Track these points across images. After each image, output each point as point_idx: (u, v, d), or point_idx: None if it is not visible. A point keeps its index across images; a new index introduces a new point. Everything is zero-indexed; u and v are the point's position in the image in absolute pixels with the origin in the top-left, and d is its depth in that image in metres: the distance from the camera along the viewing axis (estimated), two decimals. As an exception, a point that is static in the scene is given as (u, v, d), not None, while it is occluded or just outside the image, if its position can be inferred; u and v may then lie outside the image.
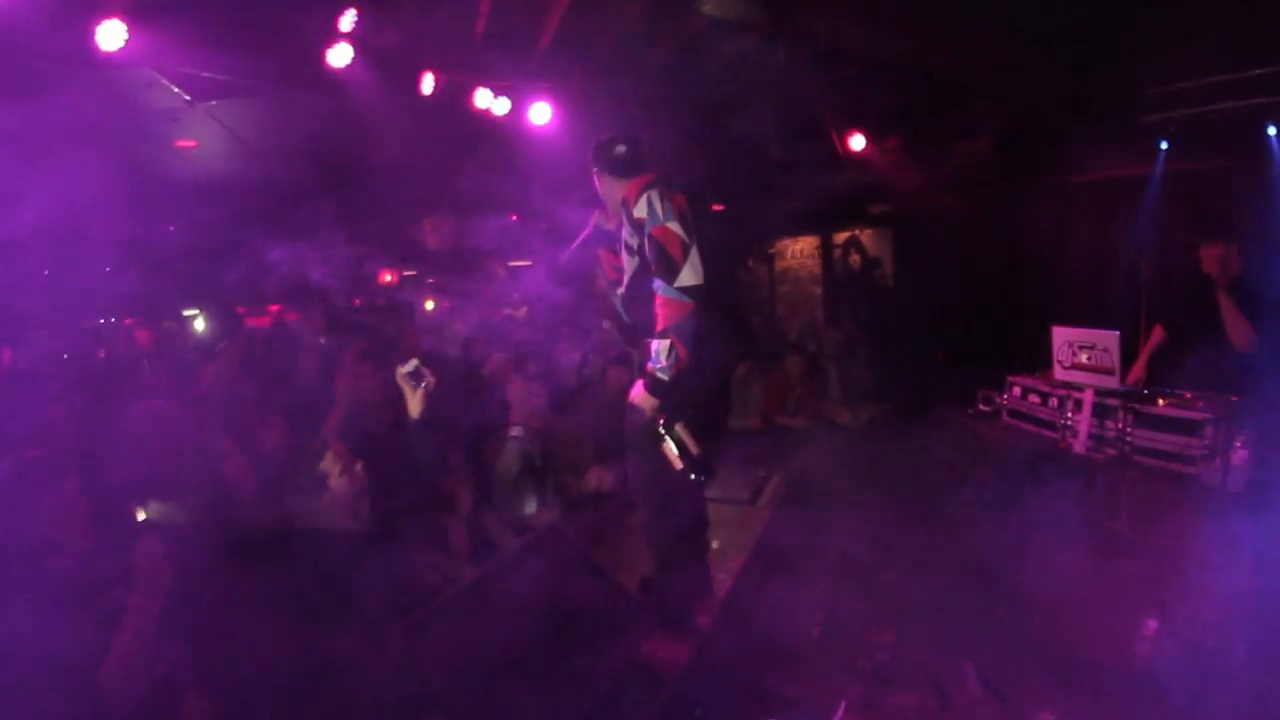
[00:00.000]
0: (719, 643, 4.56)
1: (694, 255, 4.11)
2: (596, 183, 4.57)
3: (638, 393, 4.23)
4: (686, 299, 4.06)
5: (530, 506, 5.51)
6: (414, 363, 4.56)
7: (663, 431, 4.13)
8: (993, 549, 5.71)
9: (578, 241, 4.92)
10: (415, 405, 4.54)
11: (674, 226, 4.10)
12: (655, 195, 4.14)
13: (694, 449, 4.13)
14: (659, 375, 4.11)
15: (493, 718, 3.52)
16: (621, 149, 4.45)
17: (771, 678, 4.71)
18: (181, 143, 7.84)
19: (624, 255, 4.49)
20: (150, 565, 3.36)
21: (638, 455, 4.45)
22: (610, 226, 4.67)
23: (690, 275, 4.07)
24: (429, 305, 9.93)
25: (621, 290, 4.61)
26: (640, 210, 4.17)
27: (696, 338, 4.15)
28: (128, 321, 9.75)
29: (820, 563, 5.70)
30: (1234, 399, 5.57)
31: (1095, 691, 4.52)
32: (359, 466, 4.29)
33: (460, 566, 4.60)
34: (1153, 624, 4.80)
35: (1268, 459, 5.23)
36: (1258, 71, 7.48)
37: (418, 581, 4.14)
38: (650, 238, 4.13)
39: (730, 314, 9.24)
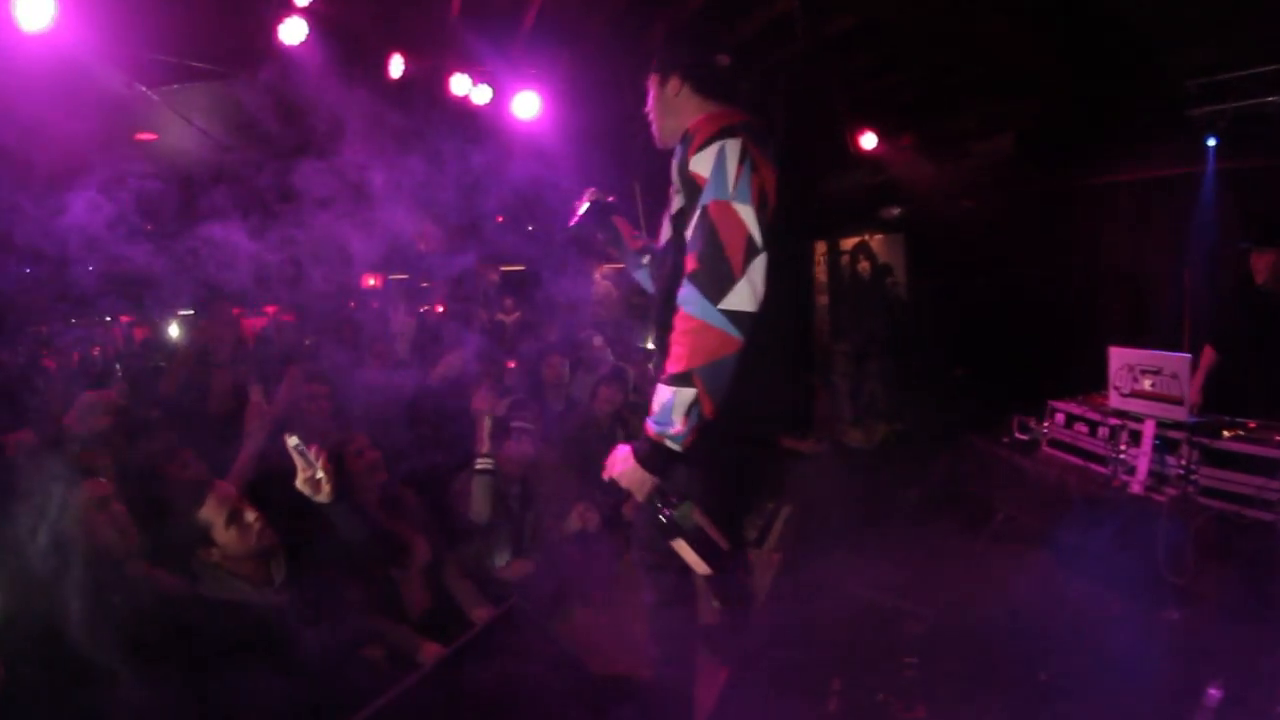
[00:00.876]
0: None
1: (758, 266, 2.68)
2: (652, 92, 3.25)
3: (622, 463, 2.82)
4: (731, 330, 2.63)
5: (503, 557, 4.80)
6: (294, 439, 3.53)
7: (668, 524, 2.77)
8: (1036, 604, 5.18)
9: (574, 221, 3.77)
10: (313, 485, 3.53)
11: (744, 211, 2.69)
12: (734, 149, 2.75)
13: (722, 542, 2.82)
14: (666, 443, 2.72)
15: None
16: (723, 57, 3.16)
17: None
18: (142, 136, 7.43)
19: (665, 223, 3.21)
20: None
21: (638, 537, 3.34)
22: (610, 199, 3.77)
23: (746, 297, 2.65)
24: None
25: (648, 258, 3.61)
26: (701, 163, 2.78)
27: (734, 391, 2.74)
28: (124, 319, 10.26)
29: (838, 620, 5.04)
30: None
31: None
32: (253, 517, 3.41)
33: (414, 642, 3.85)
34: (1216, 693, 4.20)
35: None
36: None
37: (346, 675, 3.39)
38: (703, 213, 2.72)
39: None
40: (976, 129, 9.35)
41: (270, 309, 11.34)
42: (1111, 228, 8.99)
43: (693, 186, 2.80)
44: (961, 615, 5.07)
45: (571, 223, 3.76)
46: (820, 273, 12.14)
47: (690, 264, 2.70)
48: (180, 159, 7.48)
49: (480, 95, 7.09)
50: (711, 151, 2.76)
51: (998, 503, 6.20)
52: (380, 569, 4.07)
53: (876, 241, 11.39)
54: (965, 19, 7.08)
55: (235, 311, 10.14)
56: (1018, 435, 6.52)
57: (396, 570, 4.13)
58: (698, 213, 2.73)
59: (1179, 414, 5.12)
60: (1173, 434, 5.20)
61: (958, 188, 9.58)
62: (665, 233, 3.17)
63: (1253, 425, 5.15)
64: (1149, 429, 5.27)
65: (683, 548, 2.77)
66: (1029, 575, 5.55)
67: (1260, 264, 5.76)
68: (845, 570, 5.69)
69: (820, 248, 12.01)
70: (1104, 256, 8.94)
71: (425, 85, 6.78)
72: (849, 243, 11.67)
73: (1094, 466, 5.73)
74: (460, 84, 6.93)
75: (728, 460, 3.07)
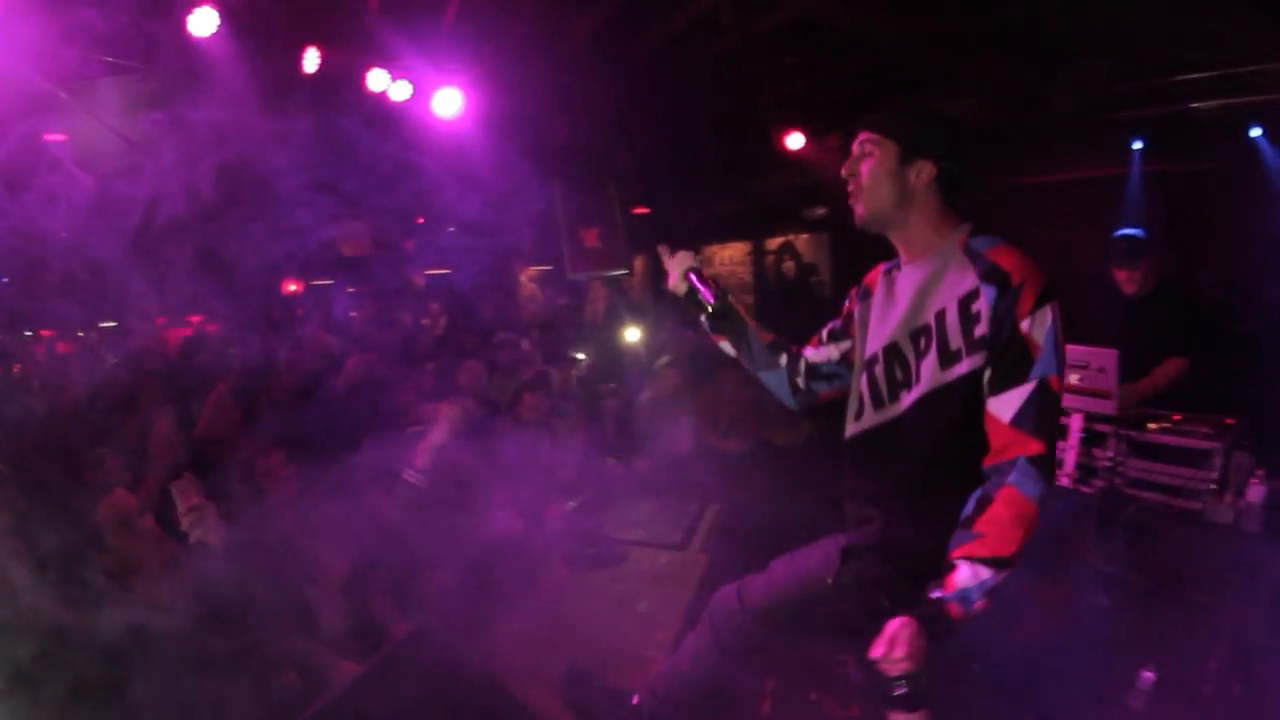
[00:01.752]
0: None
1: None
2: (876, 157, 2.85)
3: (912, 641, 2.43)
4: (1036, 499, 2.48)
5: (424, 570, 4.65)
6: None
7: (909, 696, 2.45)
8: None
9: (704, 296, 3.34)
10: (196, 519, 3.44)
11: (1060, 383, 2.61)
12: (1057, 314, 2.59)
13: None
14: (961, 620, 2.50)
15: None
16: (970, 165, 2.86)
17: None
18: (50, 136, 7.05)
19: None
20: None
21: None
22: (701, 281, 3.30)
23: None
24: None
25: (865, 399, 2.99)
26: (1039, 328, 2.56)
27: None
28: (45, 333, 9.94)
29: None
30: (1230, 422, 5.11)
31: None
32: (147, 526, 3.39)
33: (330, 662, 3.72)
34: (1150, 675, 4.46)
35: None
36: (1241, 69, 7.30)
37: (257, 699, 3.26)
38: (1044, 388, 2.54)
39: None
40: None
41: (195, 318, 11.25)
42: (1038, 227, 9.14)
43: (1023, 348, 2.57)
44: None
45: (681, 290, 3.36)
46: (746, 272, 12.22)
47: (1035, 446, 2.48)
48: (91, 160, 7.23)
49: (399, 91, 6.96)
50: (1048, 316, 2.58)
51: None
52: (293, 588, 3.94)
53: (802, 241, 11.56)
54: (895, 19, 7.14)
55: (160, 321, 10.04)
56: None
57: (311, 588, 4.00)
58: (1034, 384, 2.53)
59: (1107, 408, 5.21)
60: (1100, 427, 5.32)
61: None
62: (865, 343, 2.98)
63: (1177, 418, 5.26)
64: (1076, 422, 5.36)
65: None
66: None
67: (1123, 276, 6.00)
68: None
69: (746, 247, 12.16)
70: (1031, 255, 8.93)
71: (342, 81, 6.65)
72: (774, 242, 11.84)
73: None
74: (378, 80, 6.79)
75: None
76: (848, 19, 7.27)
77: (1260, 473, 4.71)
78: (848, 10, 7.09)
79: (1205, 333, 5.79)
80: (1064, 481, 5.38)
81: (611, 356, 8.81)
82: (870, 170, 2.86)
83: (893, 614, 2.61)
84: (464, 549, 4.89)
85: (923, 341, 2.78)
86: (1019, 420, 2.52)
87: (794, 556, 3.25)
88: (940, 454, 2.74)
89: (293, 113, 6.49)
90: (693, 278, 3.30)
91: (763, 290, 12.10)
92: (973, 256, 2.72)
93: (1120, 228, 6.08)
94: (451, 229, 9.50)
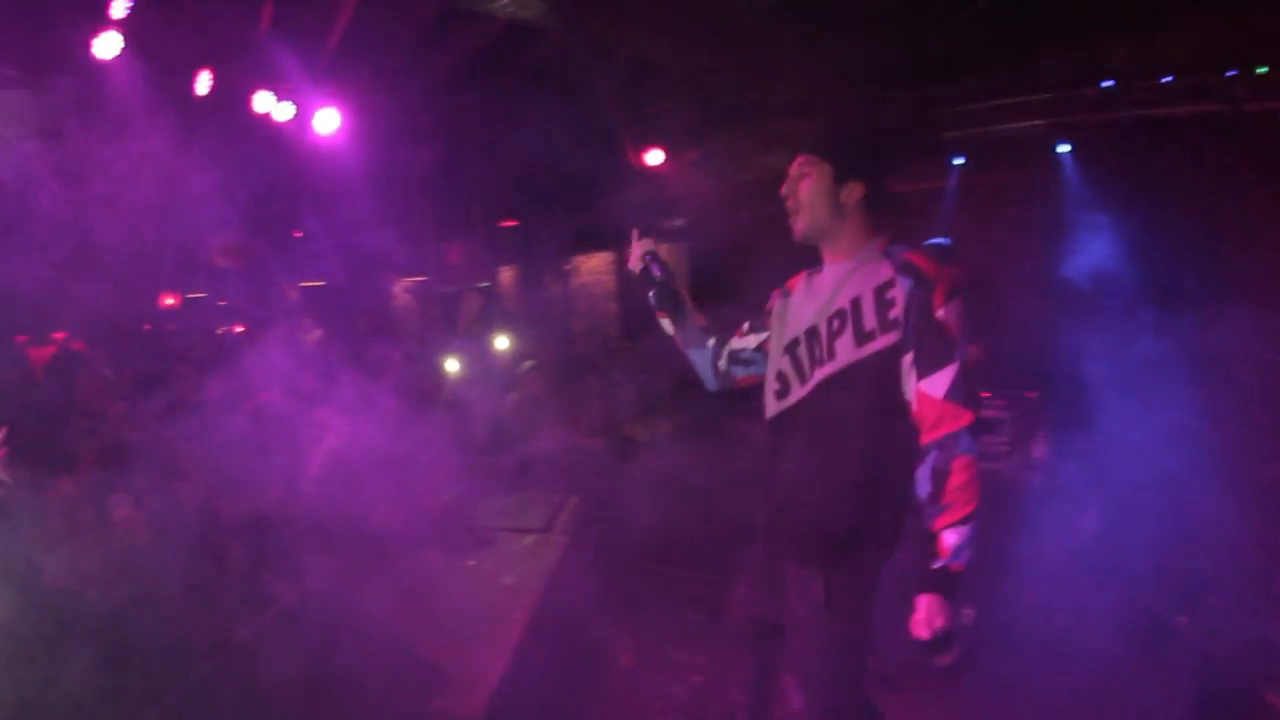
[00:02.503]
0: (527, 678, 4.52)
1: None
2: (813, 177, 3.11)
3: (942, 613, 2.76)
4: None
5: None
6: None
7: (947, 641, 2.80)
8: None
9: (640, 269, 3.84)
10: None
11: None
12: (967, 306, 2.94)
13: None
14: (958, 568, 2.80)
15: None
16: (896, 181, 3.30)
17: (589, 711, 4.90)
18: None
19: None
20: None
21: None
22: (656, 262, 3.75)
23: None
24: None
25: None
26: (954, 314, 2.88)
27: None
28: None
29: (621, 586, 5.73)
30: (1030, 396, 6.08)
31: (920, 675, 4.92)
32: None
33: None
34: (970, 612, 5.27)
35: (1065, 453, 5.79)
36: (1047, 95, 8.19)
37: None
38: (964, 368, 2.87)
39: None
40: (756, 147, 9.85)
41: (59, 335, 11.15)
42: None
43: (941, 333, 2.85)
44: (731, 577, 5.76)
45: (637, 269, 3.80)
46: (611, 280, 12.68)
47: (968, 416, 2.78)
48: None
49: (283, 112, 7.27)
50: (960, 305, 2.87)
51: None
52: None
53: (661, 250, 11.91)
54: (734, 56, 7.70)
55: (20, 339, 9.82)
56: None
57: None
58: (958, 363, 2.83)
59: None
60: None
61: (738, 200, 10.02)
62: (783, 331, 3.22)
63: (985, 395, 6.17)
64: None
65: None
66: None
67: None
68: (628, 549, 6.31)
69: (610, 257, 12.54)
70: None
71: (230, 102, 6.92)
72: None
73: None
74: (263, 101, 7.11)
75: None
76: (681, 64, 7.86)
77: (1043, 435, 5.58)
78: (680, 54, 7.65)
79: (999, 325, 6.43)
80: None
81: (482, 362, 9.11)
82: (808, 189, 3.11)
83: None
84: (351, 533, 5.35)
85: (837, 323, 3.02)
86: (952, 395, 2.79)
87: (796, 635, 3.20)
88: (859, 422, 2.96)
89: (183, 131, 6.79)
90: (648, 259, 3.77)
91: (625, 296, 12.36)
92: (889, 256, 2.99)
93: (932, 236, 6.85)
94: (321, 242, 9.77)
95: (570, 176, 9.30)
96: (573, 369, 9.42)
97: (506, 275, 12.72)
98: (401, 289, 10.72)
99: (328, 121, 7.62)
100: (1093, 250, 7.83)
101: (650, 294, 3.74)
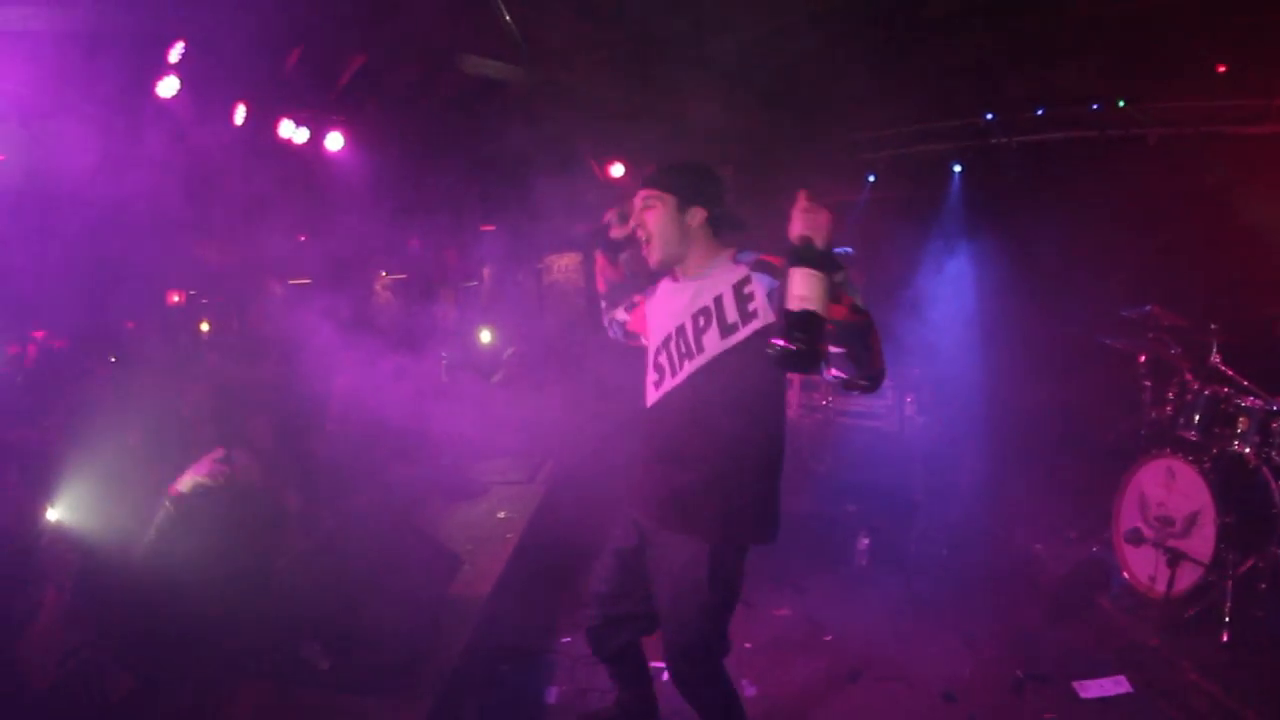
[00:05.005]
0: (519, 575, 5.62)
1: None
2: (659, 211, 3.41)
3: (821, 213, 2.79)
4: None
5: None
6: None
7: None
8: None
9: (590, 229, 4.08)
10: None
11: None
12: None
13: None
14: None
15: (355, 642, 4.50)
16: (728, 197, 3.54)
17: (561, 595, 5.96)
18: None
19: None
20: (59, 560, 4.01)
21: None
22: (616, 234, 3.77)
23: None
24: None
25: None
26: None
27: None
28: None
29: (586, 519, 6.12)
30: (912, 370, 7.25)
31: (823, 591, 6.13)
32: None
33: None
34: (865, 540, 6.45)
35: (928, 411, 7.07)
36: (949, 123, 9.30)
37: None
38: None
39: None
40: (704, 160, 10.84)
41: (38, 334, 11.71)
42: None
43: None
44: None
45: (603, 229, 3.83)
46: (579, 277, 13.65)
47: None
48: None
49: (300, 136, 8.23)
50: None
51: None
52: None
53: (625, 255, 12.69)
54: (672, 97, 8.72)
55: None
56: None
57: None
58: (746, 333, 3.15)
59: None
60: (814, 378, 7.28)
61: None
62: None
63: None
64: (796, 376, 7.36)
65: (813, 279, 2.67)
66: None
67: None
68: (598, 494, 6.80)
69: (578, 257, 13.51)
70: None
71: (259, 128, 7.85)
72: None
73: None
74: (286, 128, 8.09)
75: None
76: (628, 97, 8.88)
77: (910, 399, 6.88)
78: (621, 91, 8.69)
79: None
80: (791, 416, 7.46)
81: (469, 350, 10.06)
82: (655, 219, 3.38)
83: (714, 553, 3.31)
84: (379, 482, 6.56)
85: (702, 320, 3.26)
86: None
87: (665, 584, 3.44)
88: (728, 406, 3.19)
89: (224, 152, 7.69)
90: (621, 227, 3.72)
91: (590, 292, 13.08)
92: (741, 260, 3.27)
93: (842, 245, 7.95)
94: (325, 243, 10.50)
95: (542, 188, 9.98)
96: (546, 355, 10.41)
97: (485, 274, 13.59)
98: (382, 286, 11.36)
99: (335, 141, 8.61)
100: (972, 253, 9.06)
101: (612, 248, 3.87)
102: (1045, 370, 7.90)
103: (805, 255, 2.68)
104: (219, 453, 4.84)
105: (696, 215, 3.37)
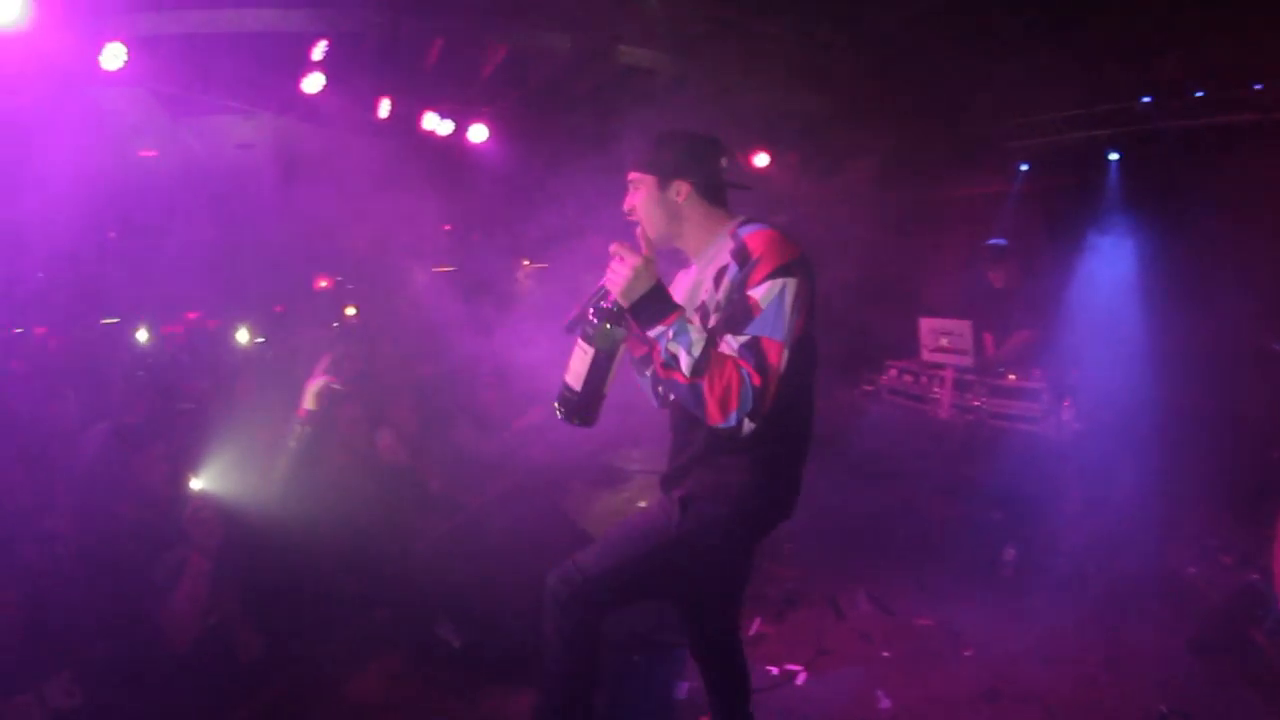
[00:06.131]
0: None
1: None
2: (643, 192, 3.22)
3: (628, 264, 2.94)
4: (732, 421, 2.85)
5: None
6: None
7: (595, 326, 3.03)
8: (885, 501, 7.18)
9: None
10: None
11: (786, 355, 2.91)
12: (792, 291, 2.92)
13: (595, 403, 3.14)
14: (667, 335, 2.90)
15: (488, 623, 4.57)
16: (724, 160, 3.28)
17: None
18: (144, 153, 8.36)
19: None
20: (204, 526, 4.13)
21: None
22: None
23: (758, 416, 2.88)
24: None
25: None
26: (763, 295, 2.90)
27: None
28: (39, 331, 10.12)
29: None
30: (1071, 371, 6.84)
31: (965, 602, 5.78)
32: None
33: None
34: (1012, 551, 6.13)
35: (1088, 416, 6.58)
36: (1101, 108, 8.78)
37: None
38: (754, 343, 2.88)
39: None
40: (849, 150, 10.67)
41: (192, 315, 12.06)
42: (943, 229, 10.65)
43: (744, 308, 2.87)
44: (826, 516, 6.39)
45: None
46: None
47: (756, 379, 2.79)
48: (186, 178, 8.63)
49: (444, 128, 8.35)
50: (775, 287, 2.85)
51: (854, 436, 7.82)
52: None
53: None
54: (832, 66, 8.35)
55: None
56: (865, 387, 8.39)
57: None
58: (747, 338, 2.83)
59: (967, 362, 7.07)
60: (969, 377, 7.13)
61: (834, 198, 10.96)
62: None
63: (1011, 377, 7.08)
64: (949, 374, 7.20)
65: (580, 352, 3.05)
66: (877, 489, 7.39)
67: (993, 274, 7.47)
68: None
69: None
70: (939, 254, 10.41)
71: (404, 122, 8.03)
72: None
73: (915, 405, 7.66)
74: (430, 120, 8.20)
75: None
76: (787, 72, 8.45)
77: (1068, 403, 6.53)
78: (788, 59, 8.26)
79: (1046, 315, 7.19)
80: (943, 415, 7.20)
81: None
82: (642, 202, 3.20)
83: (725, 554, 3.32)
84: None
85: (698, 317, 3.08)
86: (743, 353, 2.83)
87: (624, 522, 3.38)
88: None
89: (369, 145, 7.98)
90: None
91: None
92: (734, 240, 3.04)
93: (995, 236, 7.64)
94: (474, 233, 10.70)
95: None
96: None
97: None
98: (525, 275, 11.26)
99: (479, 133, 8.70)
100: (1131, 249, 8.60)
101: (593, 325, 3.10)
102: (1211, 377, 7.42)
103: (580, 323, 3.03)
104: (324, 360, 5.04)
105: (680, 190, 3.17)
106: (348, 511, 5.17)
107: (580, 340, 3.05)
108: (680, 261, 3.44)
